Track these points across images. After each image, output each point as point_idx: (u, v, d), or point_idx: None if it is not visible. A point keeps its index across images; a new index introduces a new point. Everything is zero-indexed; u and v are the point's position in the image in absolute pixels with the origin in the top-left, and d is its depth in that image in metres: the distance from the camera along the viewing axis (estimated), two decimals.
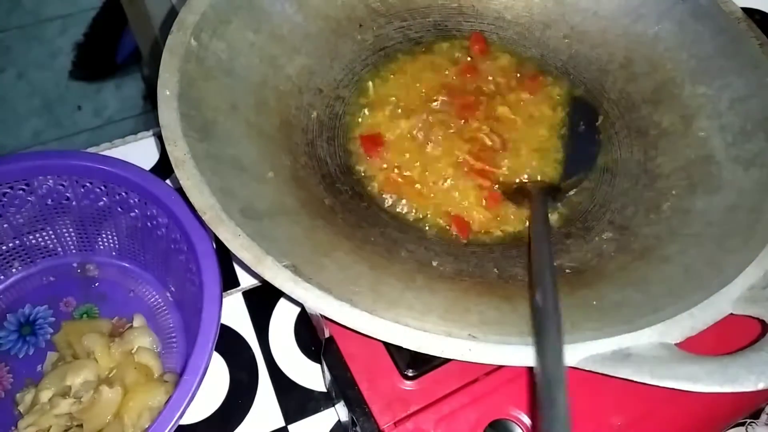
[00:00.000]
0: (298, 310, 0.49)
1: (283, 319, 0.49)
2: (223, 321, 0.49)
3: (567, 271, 0.38)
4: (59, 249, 0.49)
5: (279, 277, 0.30)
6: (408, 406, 0.34)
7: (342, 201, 0.40)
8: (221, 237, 0.32)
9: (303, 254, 0.33)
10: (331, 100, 0.46)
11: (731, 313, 0.31)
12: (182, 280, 0.44)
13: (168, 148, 0.34)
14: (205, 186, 0.33)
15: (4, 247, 0.47)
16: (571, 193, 0.43)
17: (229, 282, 0.50)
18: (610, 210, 0.41)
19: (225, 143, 0.38)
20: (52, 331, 0.47)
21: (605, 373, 0.29)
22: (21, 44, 1.13)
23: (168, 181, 0.55)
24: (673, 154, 0.42)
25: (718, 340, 0.32)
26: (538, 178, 0.43)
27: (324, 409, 0.45)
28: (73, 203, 0.45)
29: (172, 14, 0.41)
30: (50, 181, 0.44)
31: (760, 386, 0.27)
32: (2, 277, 0.48)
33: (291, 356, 0.47)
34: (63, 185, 0.44)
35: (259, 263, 0.31)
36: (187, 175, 0.33)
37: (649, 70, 0.46)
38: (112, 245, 0.49)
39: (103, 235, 0.49)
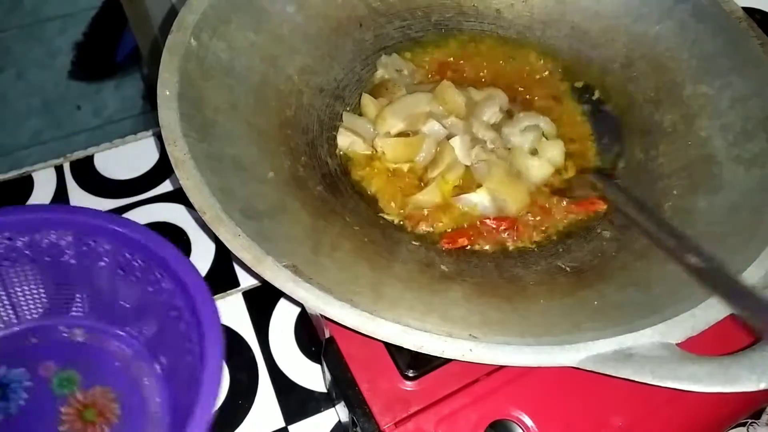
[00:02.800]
0: (298, 310, 0.49)
1: (283, 319, 0.48)
2: (223, 321, 0.48)
3: (568, 270, 0.38)
4: (48, 308, 0.45)
5: (279, 277, 0.30)
6: (409, 406, 0.34)
7: (342, 201, 0.40)
8: (221, 237, 0.31)
9: (303, 254, 0.33)
10: (331, 100, 0.46)
11: (732, 314, 0.31)
12: (178, 351, 0.40)
13: (168, 148, 0.34)
14: (205, 186, 0.33)
15: None
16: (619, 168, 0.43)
17: (229, 282, 0.50)
18: (611, 210, 0.41)
19: (225, 143, 0.38)
20: (26, 396, 0.43)
21: (606, 373, 0.28)
22: (20, 44, 1.13)
23: (168, 182, 0.56)
24: (675, 154, 0.42)
25: (720, 341, 0.32)
26: None
27: (324, 410, 0.45)
28: (72, 261, 0.42)
29: (172, 14, 0.41)
30: (52, 235, 0.40)
31: (762, 386, 0.27)
32: None
33: (291, 357, 0.47)
34: (64, 241, 0.41)
35: (259, 263, 0.31)
36: (187, 175, 0.33)
37: (650, 69, 0.46)
38: (104, 309, 0.45)
39: (97, 299, 0.45)
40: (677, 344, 0.30)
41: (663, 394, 0.29)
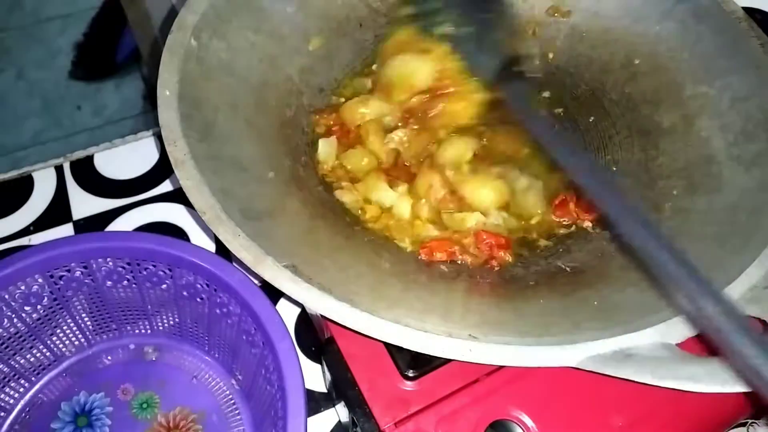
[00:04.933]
0: (298, 310, 0.49)
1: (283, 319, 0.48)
2: None
3: (568, 270, 0.38)
4: (115, 329, 0.45)
5: (279, 277, 0.30)
6: (408, 406, 0.34)
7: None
8: (221, 237, 0.31)
9: (303, 254, 0.33)
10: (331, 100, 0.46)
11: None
12: (254, 372, 0.40)
13: (168, 149, 0.34)
14: (205, 186, 0.33)
15: (58, 330, 0.43)
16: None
17: None
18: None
19: (225, 143, 0.38)
20: (110, 422, 0.43)
21: (606, 373, 0.28)
22: (21, 44, 1.13)
23: (168, 182, 0.56)
24: (674, 154, 0.42)
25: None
26: None
27: (324, 410, 0.45)
28: (133, 285, 0.42)
29: (172, 14, 0.41)
30: (109, 262, 0.41)
31: None
32: (54, 360, 0.44)
33: None
34: (123, 267, 0.41)
35: (259, 264, 0.31)
36: (187, 175, 0.33)
37: (650, 70, 0.46)
38: (173, 326, 0.45)
39: (164, 317, 0.45)
40: (677, 344, 0.30)
41: (663, 394, 0.29)
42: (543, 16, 0.50)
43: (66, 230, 0.53)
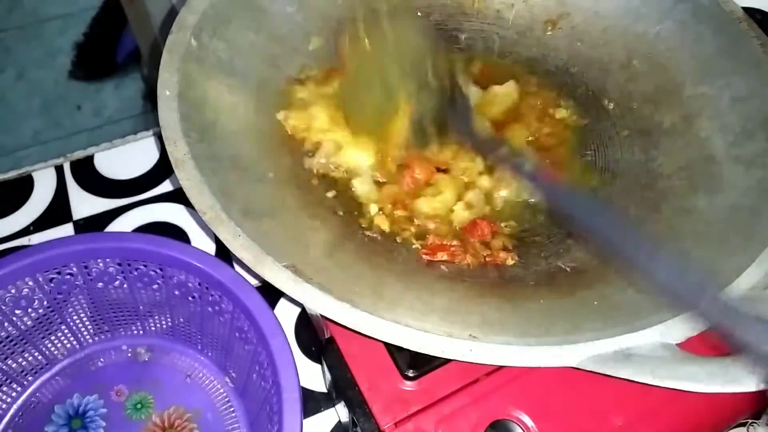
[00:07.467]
0: (298, 310, 0.49)
1: (283, 319, 0.48)
2: None
3: (568, 270, 0.38)
4: (108, 331, 0.45)
5: (279, 277, 0.30)
6: (408, 406, 0.34)
7: (342, 201, 0.40)
8: (221, 237, 0.32)
9: (303, 254, 0.33)
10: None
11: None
12: (248, 369, 0.40)
13: (168, 149, 0.34)
14: (205, 186, 0.33)
15: (50, 333, 0.43)
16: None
17: None
18: (611, 210, 0.41)
19: (225, 143, 0.38)
20: (104, 424, 0.43)
21: (606, 373, 0.28)
22: (20, 44, 1.13)
23: (168, 182, 0.56)
24: (674, 154, 0.42)
25: (720, 341, 0.32)
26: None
27: (324, 410, 0.45)
28: (124, 285, 0.42)
29: (172, 14, 0.41)
30: (100, 263, 0.40)
31: (762, 387, 0.27)
32: (47, 363, 0.44)
33: None
34: (114, 268, 0.41)
35: (259, 263, 0.31)
36: (187, 175, 0.33)
37: (650, 69, 0.46)
38: (165, 327, 0.45)
39: (156, 317, 0.45)
40: (677, 344, 0.30)
41: (663, 394, 0.29)
42: (541, 23, 0.50)
43: (66, 230, 0.53)
